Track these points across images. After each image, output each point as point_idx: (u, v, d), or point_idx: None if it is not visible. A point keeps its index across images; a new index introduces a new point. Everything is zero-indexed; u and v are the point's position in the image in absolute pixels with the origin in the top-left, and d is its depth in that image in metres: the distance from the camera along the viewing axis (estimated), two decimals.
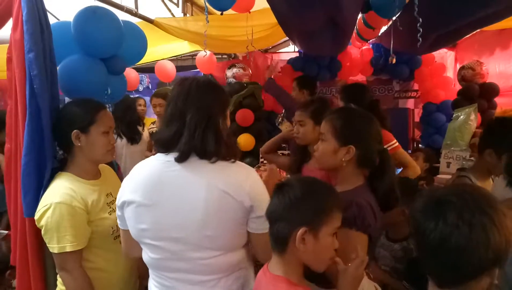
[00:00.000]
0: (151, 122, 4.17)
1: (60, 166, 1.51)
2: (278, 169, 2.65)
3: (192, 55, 5.61)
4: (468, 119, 3.39)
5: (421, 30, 2.16)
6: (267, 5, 2.77)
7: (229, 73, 4.67)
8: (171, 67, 4.91)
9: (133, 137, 3.40)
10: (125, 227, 1.20)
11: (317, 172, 1.65)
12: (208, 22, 2.42)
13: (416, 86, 5.02)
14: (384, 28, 3.99)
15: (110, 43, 1.92)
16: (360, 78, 5.08)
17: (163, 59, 4.91)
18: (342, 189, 1.29)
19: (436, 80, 4.65)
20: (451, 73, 4.91)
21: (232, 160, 1.13)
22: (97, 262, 1.45)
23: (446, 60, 4.97)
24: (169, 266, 1.13)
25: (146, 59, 3.10)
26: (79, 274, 1.36)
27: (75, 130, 1.42)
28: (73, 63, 1.83)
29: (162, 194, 1.08)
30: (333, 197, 1.06)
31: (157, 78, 5.37)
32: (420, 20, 2.10)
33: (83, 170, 1.49)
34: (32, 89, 1.43)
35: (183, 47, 4.67)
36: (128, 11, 3.02)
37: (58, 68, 1.68)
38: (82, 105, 1.49)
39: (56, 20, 2.64)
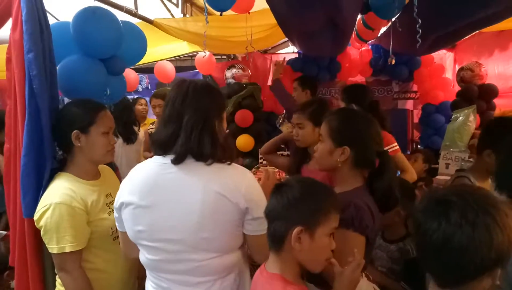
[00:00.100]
0: (151, 122, 4.16)
1: (59, 167, 1.51)
2: (277, 170, 2.66)
3: (192, 56, 5.60)
4: (467, 120, 3.39)
5: (420, 31, 2.17)
6: (266, 6, 2.77)
7: (228, 73, 4.67)
8: (170, 68, 4.91)
9: (129, 137, 3.43)
10: (123, 229, 1.21)
11: (317, 173, 1.65)
12: (207, 22, 2.42)
13: (415, 87, 5.02)
14: (383, 29, 3.99)
15: (109, 43, 1.92)
16: (359, 79, 5.08)
17: (163, 59, 4.91)
18: (340, 190, 1.29)
19: (435, 81, 4.66)
20: (450, 74, 4.91)
21: (228, 162, 1.15)
22: (96, 263, 1.45)
23: (445, 61, 4.97)
24: (166, 267, 1.14)
25: (145, 59, 3.10)
26: (78, 274, 1.36)
27: (75, 131, 1.42)
28: (72, 64, 1.83)
29: (159, 196, 1.10)
30: (331, 197, 1.07)
31: (156, 79, 5.37)
32: (420, 21, 2.10)
33: (83, 171, 1.48)
34: (31, 89, 1.43)
35: (182, 48, 4.67)
36: (128, 11, 3.02)
37: (57, 68, 1.68)
38: (82, 105, 1.49)
39: (56, 21, 2.64)
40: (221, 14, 2.74)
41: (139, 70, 5.50)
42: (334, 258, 1.06)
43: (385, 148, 1.39)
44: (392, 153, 2.19)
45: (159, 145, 1.14)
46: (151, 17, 3.42)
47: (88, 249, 1.42)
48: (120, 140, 3.35)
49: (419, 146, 4.89)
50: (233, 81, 4.62)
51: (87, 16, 1.84)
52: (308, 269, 1.06)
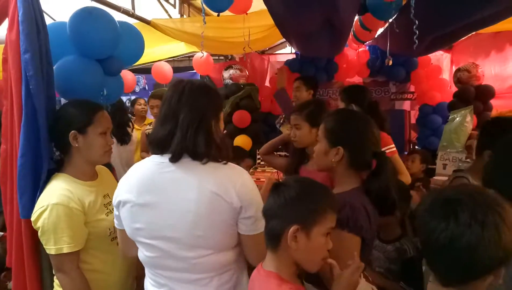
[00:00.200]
0: (148, 123, 4.16)
1: (56, 167, 1.51)
2: (274, 170, 2.66)
3: (189, 57, 5.60)
4: (464, 121, 3.41)
5: (417, 32, 2.18)
6: (264, 7, 2.78)
7: (226, 74, 4.67)
8: (168, 68, 4.91)
9: (123, 138, 3.47)
10: (121, 227, 1.22)
11: (314, 174, 1.65)
12: (205, 23, 2.42)
13: (412, 88, 5.04)
14: (380, 30, 4.01)
15: (106, 44, 1.92)
16: (356, 79, 5.10)
17: (160, 60, 4.91)
18: (338, 191, 1.29)
19: (432, 82, 4.68)
20: (447, 75, 4.94)
21: (224, 161, 1.15)
22: (94, 264, 1.45)
23: (442, 62, 4.99)
24: (163, 264, 1.16)
25: (142, 60, 3.09)
26: (76, 275, 1.36)
27: (72, 131, 1.42)
28: (69, 64, 1.82)
29: (155, 195, 1.11)
30: (328, 197, 1.08)
31: (153, 79, 5.36)
32: (416, 22, 2.11)
33: (80, 171, 1.48)
34: (28, 90, 1.42)
35: (179, 48, 4.66)
36: (125, 12, 3.01)
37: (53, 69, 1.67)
38: (79, 106, 1.49)
39: (53, 21, 2.63)
40: (218, 15, 2.74)
41: (136, 71, 5.50)
42: (329, 259, 1.06)
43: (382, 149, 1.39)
44: (389, 154, 2.20)
45: (156, 144, 1.15)
46: (148, 17, 3.42)
47: (86, 250, 1.41)
48: (114, 141, 3.36)
49: (416, 147, 4.90)
50: (231, 81, 4.62)
51: (83, 16, 1.84)
52: (305, 269, 1.06)
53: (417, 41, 2.25)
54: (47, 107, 1.48)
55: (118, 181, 1.22)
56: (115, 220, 1.26)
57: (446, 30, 3.01)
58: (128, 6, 3.20)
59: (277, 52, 5.68)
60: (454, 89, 4.36)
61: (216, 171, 1.12)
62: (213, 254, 1.13)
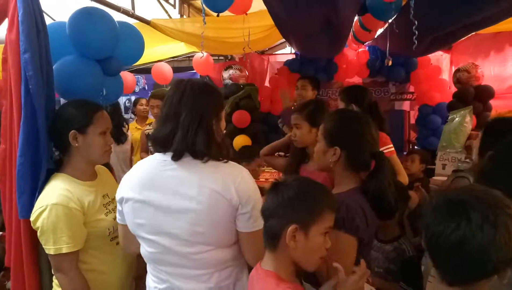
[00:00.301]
0: (148, 123, 4.16)
1: (56, 167, 1.51)
2: (274, 171, 2.66)
3: (189, 57, 5.60)
4: (464, 121, 3.42)
5: (416, 32, 2.18)
6: (264, 7, 2.78)
7: (225, 74, 4.67)
8: (168, 69, 4.91)
9: (119, 138, 3.56)
10: (123, 222, 1.25)
11: (314, 174, 1.66)
12: (205, 23, 2.42)
13: (412, 88, 5.05)
14: (380, 31, 4.01)
15: (105, 44, 1.92)
16: (356, 80, 5.10)
17: (160, 60, 4.91)
18: (336, 191, 1.30)
19: (431, 82, 4.68)
20: (446, 75, 4.94)
21: (225, 160, 1.17)
22: (93, 264, 1.44)
23: (442, 63, 5.00)
24: (165, 260, 1.18)
25: (142, 60, 3.09)
26: (75, 275, 1.36)
27: (72, 131, 1.42)
28: (68, 64, 1.82)
29: (157, 192, 1.14)
30: (326, 197, 1.08)
31: (153, 79, 5.36)
32: (416, 22, 2.12)
33: (80, 171, 1.48)
34: (27, 90, 1.42)
35: (179, 49, 4.66)
36: (125, 12, 3.01)
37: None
38: (79, 106, 1.49)
39: (52, 21, 2.63)
40: (218, 15, 2.74)
41: (136, 71, 5.50)
42: (335, 262, 1.06)
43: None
44: (387, 154, 2.19)
45: (158, 143, 1.17)
46: (148, 17, 3.42)
47: (85, 250, 1.41)
48: (113, 141, 3.41)
49: (415, 147, 4.90)
50: (231, 82, 4.62)
51: (82, 16, 1.84)
52: (303, 268, 1.06)
53: (416, 42, 2.25)
54: (46, 107, 1.48)
55: (117, 181, 1.22)
56: (117, 215, 1.28)
57: (445, 30, 3.02)
58: (128, 6, 3.20)
59: (276, 52, 5.69)
60: (453, 89, 4.36)
61: (216, 169, 1.14)
62: (213, 250, 1.15)
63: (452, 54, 5.00)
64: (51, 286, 1.47)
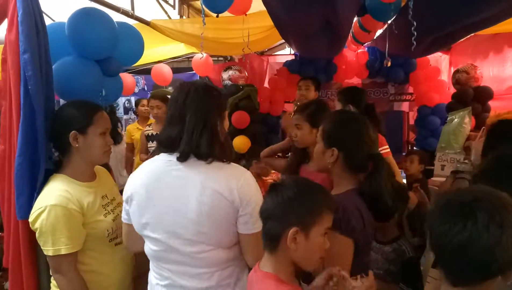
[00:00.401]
0: (148, 124, 4.16)
1: (55, 168, 1.50)
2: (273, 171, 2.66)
3: (188, 57, 5.60)
4: (462, 122, 3.42)
5: (415, 33, 2.18)
6: (263, 8, 2.78)
7: (225, 75, 4.67)
8: (167, 70, 4.91)
9: (115, 138, 3.55)
10: (128, 221, 1.28)
11: (314, 174, 1.66)
12: (204, 24, 2.42)
13: (411, 89, 5.05)
14: (379, 32, 4.01)
15: (103, 44, 1.92)
16: (355, 81, 5.10)
17: (159, 61, 4.91)
18: (335, 192, 1.30)
19: (430, 83, 4.68)
20: (445, 76, 4.94)
21: (228, 161, 1.20)
22: (92, 265, 1.44)
23: (441, 64, 5.00)
24: (168, 258, 1.20)
25: (142, 61, 3.10)
26: (73, 276, 1.36)
27: (73, 131, 1.42)
28: (67, 65, 1.83)
29: (162, 191, 1.17)
30: (325, 197, 1.08)
31: (152, 80, 5.36)
32: (415, 23, 2.12)
33: (79, 172, 1.48)
34: (26, 90, 1.42)
35: (179, 49, 4.66)
36: (125, 12, 3.01)
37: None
38: (79, 106, 1.49)
39: (52, 21, 2.63)
40: (217, 16, 2.75)
41: (136, 72, 5.49)
42: (342, 271, 1.06)
43: None
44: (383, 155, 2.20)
45: (165, 145, 1.21)
46: (147, 18, 3.42)
47: (84, 251, 1.41)
48: (112, 141, 3.44)
49: (414, 148, 4.90)
50: (230, 82, 4.62)
51: (81, 17, 1.84)
52: (302, 268, 1.06)
53: (415, 43, 2.26)
54: (45, 107, 1.48)
55: (115, 182, 1.23)
56: (123, 214, 1.29)
57: (444, 31, 3.02)
58: (128, 7, 3.20)
59: (276, 53, 5.69)
60: (452, 90, 4.37)
61: (219, 170, 1.17)
62: (215, 250, 1.18)
63: (451, 55, 5.00)
64: (49, 287, 1.47)
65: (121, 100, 6.50)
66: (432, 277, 1.36)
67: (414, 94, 4.97)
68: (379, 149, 2.15)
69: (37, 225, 1.33)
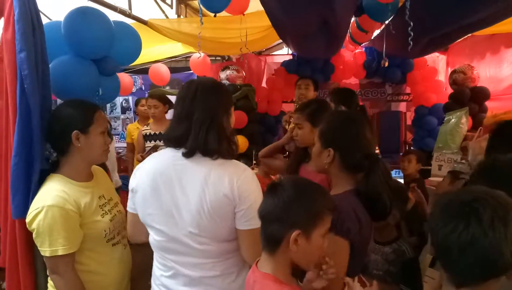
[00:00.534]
0: (148, 123, 4.15)
1: (52, 168, 1.49)
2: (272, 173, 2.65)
3: (186, 57, 5.59)
4: (459, 123, 3.43)
5: (412, 34, 2.19)
6: (261, 8, 2.78)
7: (222, 75, 4.66)
8: (165, 70, 4.90)
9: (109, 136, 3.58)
10: (134, 211, 1.30)
11: (312, 174, 1.66)
12: (202, 24, 2.42)
13: (408, 90, 5.07)
14: (377, 32, 4.02)
15: (100, 43, 1.91)
16: (353, 81, 5.11)
17: (157, 60, 4.90)
18: (333, 192, 1.29)
19: (428, 83, 4.70)
20: (442, 76, 4.97)
21: (232, 159, 1.24)
22: (89, 265, 1.43)
23: (438, 64, 5.02)
24: (170, 248, 1.23)
25: (139, 60, 3.09)
26: (71, 277, 1.35)
27: (75, 131, 1.41)
28: (63, 64, 1.82)
29: (166, 184, 1.20)
30: (324, 198, 1.07)
31: (150, 80, 5.35)
32: (411, 24, 2.13)
33: (77, 172, 1.46)
34: (22, 89, 1.41)
35: (176, 49, 4.65)
36: (122, 12, 3.00)
37: None
38: (78, 106, 1.47)
39: (48, 20, 2.62)
40: (215, 16, 2.74)
41: (133, 71, 5.48)
42: (318, 261, 1.06)
43: None
44: None
45: (173, 142, 1.23)
46: (145, 18, 3.41)
47: (81, 252, 1.40)
48: (110, 140, 3.43)
49: (411, 148, 4.92)
50: (228, 82, 4.61)
51: (77, 16, 1.84)
52: (301, 268, 1.06)
53: (412, 43, 2.26)
54: (42, 107, 1.47)
55: (113, 182, 1.23)
56: (129, 203, 1.31)
57: (441, 32, 3.03)
58: (125, 6, 3.19)
59: (274, 53, 5.70)
60: (449, 90, 4.39)
61: (221, 167, 1.19)
62: (216, 242, 1.20)
63: (448, 55, 5.03)
64: (46, 287, 1.46)
65: (119, 100, 6.47)
66: (429, 276, 1.36)
67: (411, 94, 4.99)
68: None
69: (34, 225, 1.33)
